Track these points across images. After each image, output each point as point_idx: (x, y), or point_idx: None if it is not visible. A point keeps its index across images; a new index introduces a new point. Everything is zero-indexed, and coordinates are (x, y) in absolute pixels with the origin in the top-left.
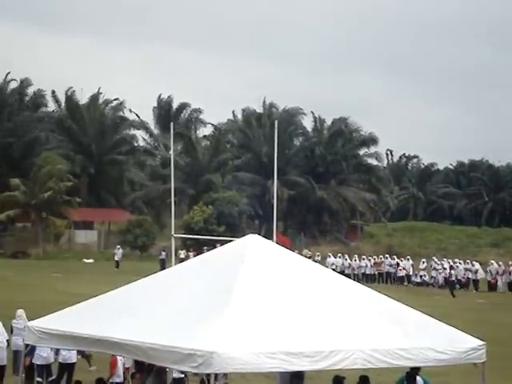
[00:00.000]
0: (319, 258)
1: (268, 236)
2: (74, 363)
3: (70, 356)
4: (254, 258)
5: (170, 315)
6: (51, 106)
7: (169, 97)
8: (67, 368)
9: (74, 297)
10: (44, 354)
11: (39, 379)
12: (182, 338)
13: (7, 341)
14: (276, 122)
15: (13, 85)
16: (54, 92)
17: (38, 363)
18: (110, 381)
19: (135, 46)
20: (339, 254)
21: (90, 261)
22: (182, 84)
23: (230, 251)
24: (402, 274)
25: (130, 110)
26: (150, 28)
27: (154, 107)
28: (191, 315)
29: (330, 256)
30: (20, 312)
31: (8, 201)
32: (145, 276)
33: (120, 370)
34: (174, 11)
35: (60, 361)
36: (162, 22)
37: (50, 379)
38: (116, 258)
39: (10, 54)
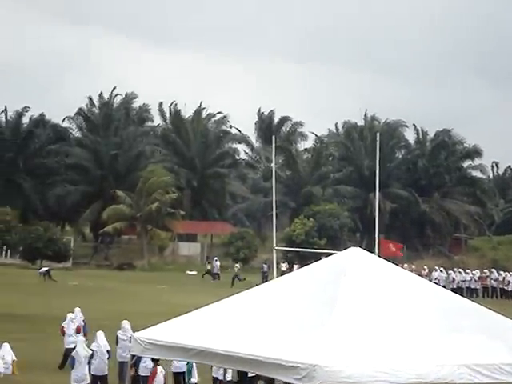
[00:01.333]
0: (425, 272)
1: (369, 249)
2: (184, 372)
3: (181, 366)
4: (356, 271)
5: (272, 327)
6: (156, 120)
7: (271, 111)
8: (177, 377)
9: (179, 308)
10: (148, 366)
11: None
12: (285, 351)
13: (108, 351)
14: (378, 134)
15: (118, 99)
16: (161, 104)
17: (142, 374)
18: None
19: (237, 60)
20: (441, 268)
21: (194, 273)
22: (284, 97)
23: (331, 264)
24: (508, 288)
25: (231, 126)
26: (252, 42)
27: (256, 121)
28: (294, 327)
29: (436, 270)
30: (125, 323)
31: (114, 213)
32: (247, 288)
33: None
34: (275, 25)
35: (172, 370)
36: (264, 35)
37: None
38: (215, 271)
39: (115, 69)
